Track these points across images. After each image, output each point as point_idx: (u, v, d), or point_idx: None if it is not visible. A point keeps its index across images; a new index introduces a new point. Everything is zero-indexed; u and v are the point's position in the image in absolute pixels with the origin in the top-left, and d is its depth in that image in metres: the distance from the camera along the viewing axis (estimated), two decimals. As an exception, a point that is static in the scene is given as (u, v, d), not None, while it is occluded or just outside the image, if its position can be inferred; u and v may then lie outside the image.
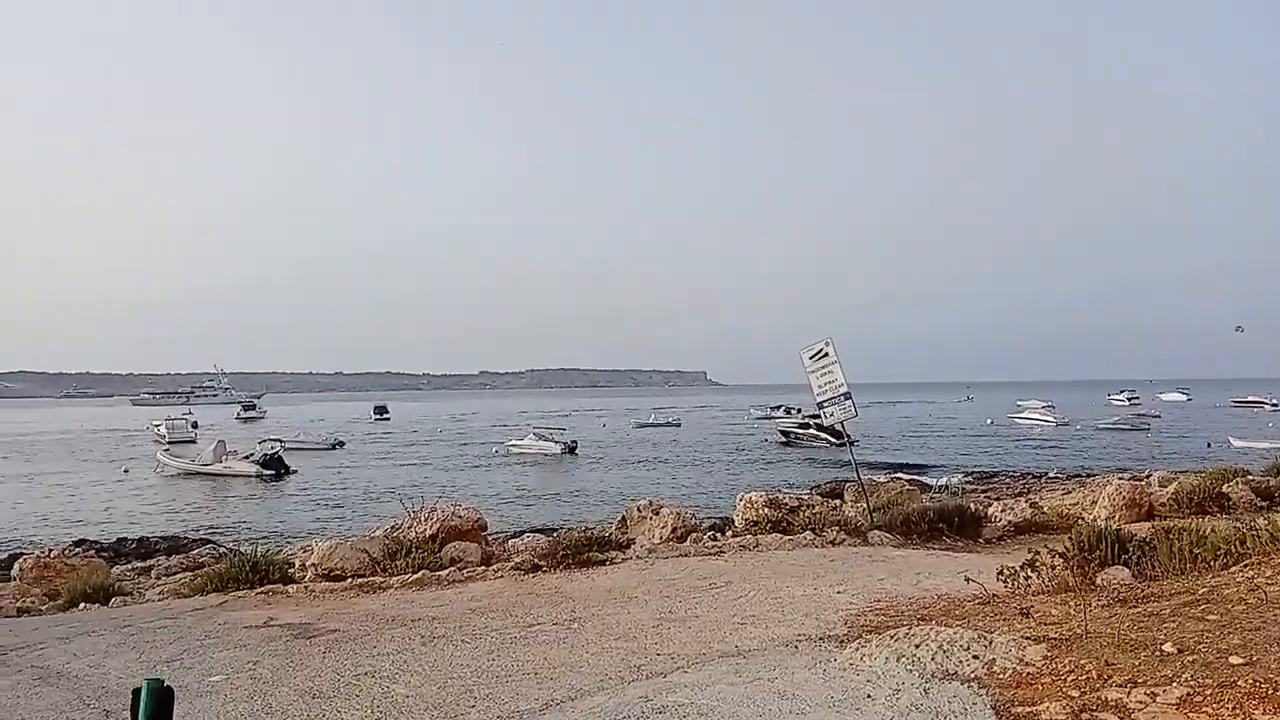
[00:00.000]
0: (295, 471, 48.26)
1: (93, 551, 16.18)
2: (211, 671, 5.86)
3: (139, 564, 18.00)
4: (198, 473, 47.82)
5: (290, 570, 10.79)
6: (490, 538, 12.08)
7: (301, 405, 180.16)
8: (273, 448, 51.45)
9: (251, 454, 49.23)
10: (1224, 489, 15.27)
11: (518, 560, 9.86)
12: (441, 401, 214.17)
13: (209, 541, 22.63)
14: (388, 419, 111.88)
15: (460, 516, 11.11)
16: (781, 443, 64.65)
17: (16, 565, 14.07)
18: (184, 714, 4.91)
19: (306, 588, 9.54)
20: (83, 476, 49.59)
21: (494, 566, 9.77)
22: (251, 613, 8.05)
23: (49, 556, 13.39)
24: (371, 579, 9.59)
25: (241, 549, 13.64)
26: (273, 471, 47.23)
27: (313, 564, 10.60)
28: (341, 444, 68.48)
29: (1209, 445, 54.89)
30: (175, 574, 14.60)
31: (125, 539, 24.68)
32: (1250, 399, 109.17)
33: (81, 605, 9.66)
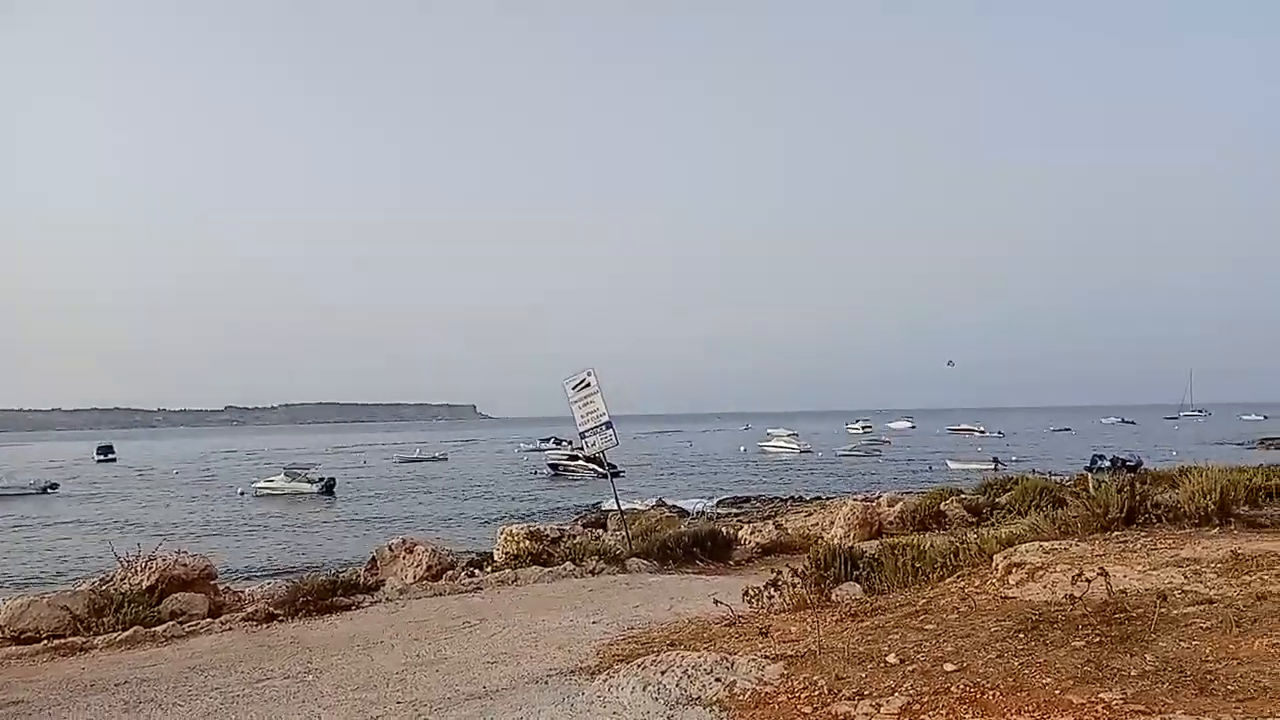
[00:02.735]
0: (-5, 519, 42.14)
1: None
2: None
3: None
4: None
5: (-30, 635, 9.24)
6: (223, 587, 10.95)
7: (11, 446, 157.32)
8: (-35, 494, 44.63)
9: (-63, 502, 42.46)
10: (941, 507, 16.92)
11: (250, 610, 8.98)
12: (181, 440, 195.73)
13: None
14: (113, 459, 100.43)
15: (185, 565, 9.97)
16: (550, 475, 64.75)
17: None
18: None
19: (-13, 655, 8.19)
20: None
21: (222, 618, 8.83)
22: (-92, 690, 6.72)
23: None
24: (71, 640, 8.36)
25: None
26: None
27: (-1, 625, 9.11)
28: (55, 486, 60.61)
29: (930, 468, 61.13)
30: None
31: None
32: (964, 426, 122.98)
33: None
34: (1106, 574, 5.20)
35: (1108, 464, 38.89)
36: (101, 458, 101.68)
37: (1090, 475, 12.58)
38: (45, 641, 8.40)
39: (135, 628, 8.47)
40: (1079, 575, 5.21)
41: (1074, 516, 8.20)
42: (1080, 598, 5.00)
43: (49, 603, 9.17)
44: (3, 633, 8.95)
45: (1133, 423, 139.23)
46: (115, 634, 8.36)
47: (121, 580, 9.81)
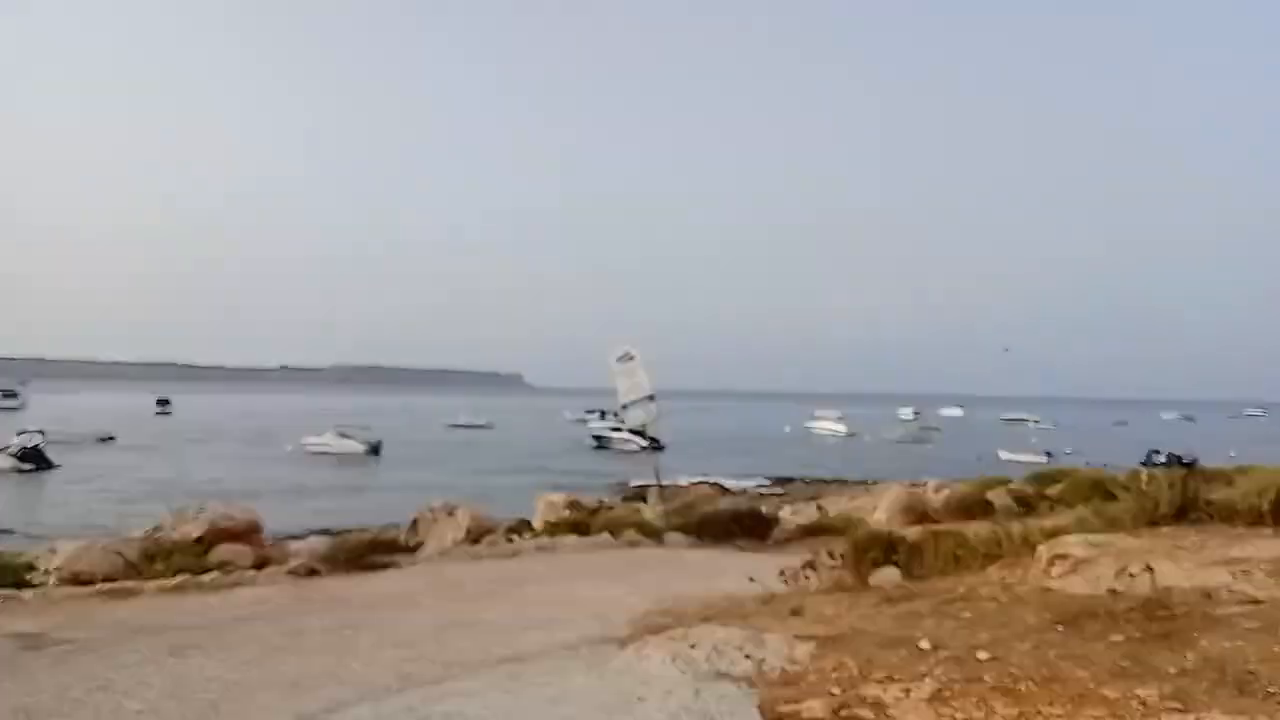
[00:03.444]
0: (59, 466, 43.74)
1: None
2: (-98, 693, 5.01)
3: None
4: None
5: (31, 574, 9.65)
6: (268, 541, 11.25)
7: (73, 395, 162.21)
8: (33, 439, 46.36)
9: (8, 446, 44.24)
10: (989, 496, 16.68)
11: (294, 565, 9.21)
12: (235, 395, 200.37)
13: (-62, 544, 19.84)
14: (170, 413, 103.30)
15: (233, 518, 10.28)
16: (593, 446, 65.15)
17: None
18: None
19: (45, 594, 8.55)
20: None
21: (267, 571, 9.07)
22: (-27, 622, 7.02)
23: None
24: (123, 584, 8.68)
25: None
26: (32, 465, 42.72)
27: (57, 567, 9.50)
28: (112, 438, 62.59)
29: (979, 457, 60.05)
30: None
31: None
32: (1017, 416, 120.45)
33: None
34: (1152, 570, 5.07)
35: (1163, 460, 37.91)
36: (159, 410, 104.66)
37: (1144, 470, 12.27)
38: (99, 584, 8.72)
39: (184, 576, 8.75)
40: (1124, 570, 5.08)
41: (1123, 510, 8.00)
42: (1123, 592, 4.89)
43: (104, 548, 9.53)
44: (60, 574, 9.33)
45: (1193, 419, 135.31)
46: (165, 581, 8.64)
47: (173, 530, 10.13)
